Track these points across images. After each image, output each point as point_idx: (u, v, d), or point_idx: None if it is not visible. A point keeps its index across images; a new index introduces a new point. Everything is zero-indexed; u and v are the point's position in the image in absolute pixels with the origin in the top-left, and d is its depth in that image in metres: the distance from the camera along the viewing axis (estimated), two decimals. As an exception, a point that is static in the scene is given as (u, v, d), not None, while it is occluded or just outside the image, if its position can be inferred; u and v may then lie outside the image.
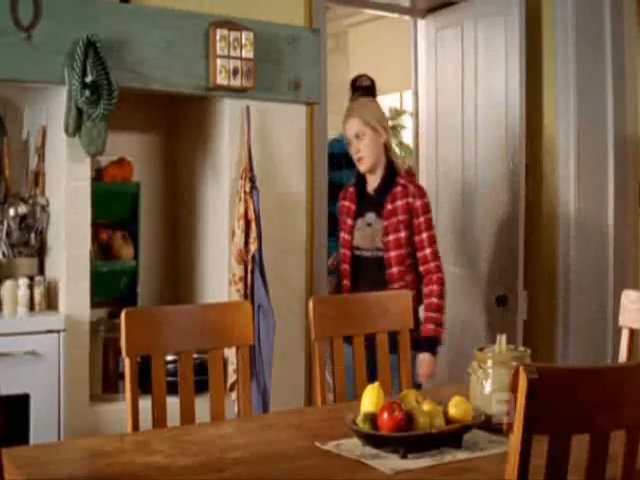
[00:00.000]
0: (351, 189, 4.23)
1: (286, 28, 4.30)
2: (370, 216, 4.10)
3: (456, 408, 2.34)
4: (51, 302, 3.91)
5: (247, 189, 4.09)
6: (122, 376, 3.59)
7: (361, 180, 4.20)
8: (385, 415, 2.24)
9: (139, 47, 3.89)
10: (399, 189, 4.06)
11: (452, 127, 5.32)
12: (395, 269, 4.01)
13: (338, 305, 3.24)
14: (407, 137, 8.80)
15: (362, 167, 4.13)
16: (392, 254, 4.01)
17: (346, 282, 4.15)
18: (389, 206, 4.04)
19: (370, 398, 2.38)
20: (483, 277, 5.07)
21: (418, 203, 4.03)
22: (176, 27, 4.03)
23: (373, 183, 4.15)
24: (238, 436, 2.50)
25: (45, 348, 3.69)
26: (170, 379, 2.85)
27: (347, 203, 4.21)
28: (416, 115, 5.75)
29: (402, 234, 4.01)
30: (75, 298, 3.76)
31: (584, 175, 4.97)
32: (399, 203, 4.04)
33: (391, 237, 4.01)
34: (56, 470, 2.21)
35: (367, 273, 4.10)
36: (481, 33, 5.10)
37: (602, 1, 4.98)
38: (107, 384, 4.04)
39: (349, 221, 4.15)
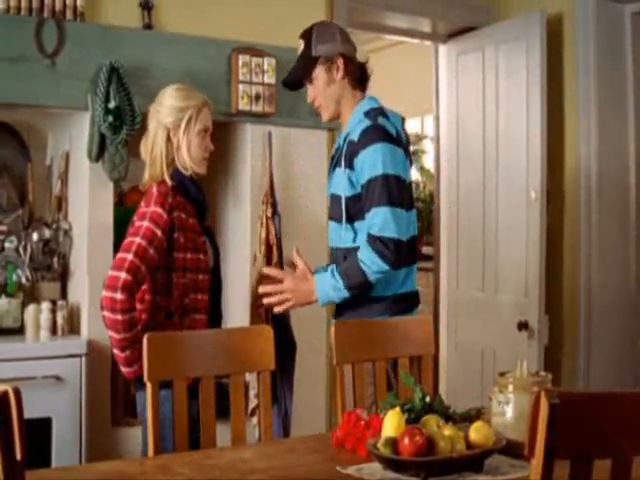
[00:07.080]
0: (178, 198, 3.28)
1: (307, 54, 4.33)
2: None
3: (477, 433, 2.33)
4: (73, 326, 3.93)
5: (269, 214, 4.11)
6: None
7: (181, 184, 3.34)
8: (406, 440, 2.23)
9: (162, 73, 3.92)
10: None
11: (473, 152, 5.31)
12: None
13: (360, 330, 3.23)
14: (428, 162, 8.80)
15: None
16: None
17: (201, 316, 3.32)
18: None
19: (391, 423, 2.37)
20: (504, 302, 5.05)
21: None
22: (198, 53, 4.07)
23: (196, 186, 3.41)
24: (259, 460, 2.50)
25: (67, 372, 3.71)
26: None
27: (184, 215, 3.27)
28: (437, 140, 5.75)
29: None
30: (97, 322, 3.75)
31: (606, 200, 4.96)
32: None
33: None
34: (77, 493, 2.22)
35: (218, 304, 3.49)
36: (502, 58, 5.10)
37: (623, 24, 4.98)
38: (129, 408, 4.05)
39: (200, 238, 3.32)
